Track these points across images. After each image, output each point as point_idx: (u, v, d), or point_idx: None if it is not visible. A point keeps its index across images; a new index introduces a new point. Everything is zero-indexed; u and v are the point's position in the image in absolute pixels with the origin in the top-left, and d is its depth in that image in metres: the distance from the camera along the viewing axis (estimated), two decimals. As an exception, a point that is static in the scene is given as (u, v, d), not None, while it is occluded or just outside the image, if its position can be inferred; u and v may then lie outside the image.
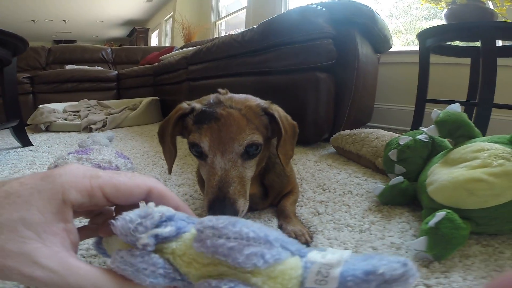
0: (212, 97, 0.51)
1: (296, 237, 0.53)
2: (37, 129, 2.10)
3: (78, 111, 2.41)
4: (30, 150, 1.50)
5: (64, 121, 2.15)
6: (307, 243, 0.52)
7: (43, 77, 2.79)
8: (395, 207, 0.64)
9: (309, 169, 0.98)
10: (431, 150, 0.69)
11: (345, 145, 1.06)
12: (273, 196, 0.65)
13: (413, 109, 1.37)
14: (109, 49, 3.97)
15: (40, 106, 2.27)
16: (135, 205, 0.28)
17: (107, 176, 0.25)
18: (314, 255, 0.22)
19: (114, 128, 2.15)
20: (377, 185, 0.70)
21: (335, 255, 0.22)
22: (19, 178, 0.23)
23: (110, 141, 1.67)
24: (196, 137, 0.46)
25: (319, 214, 0.65)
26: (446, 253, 0.44)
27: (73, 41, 4.80)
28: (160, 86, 2.81)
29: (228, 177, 0.44)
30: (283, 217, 0.60)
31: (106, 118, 2.16)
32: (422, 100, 1.33)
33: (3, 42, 1.23)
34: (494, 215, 0.48)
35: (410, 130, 1.29)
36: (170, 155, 0.55)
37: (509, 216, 0.48)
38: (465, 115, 0.64)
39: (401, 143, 0.70)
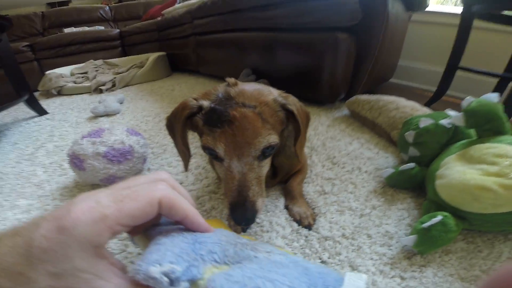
0: (220, 90, 0.48)
1: (300, 219, 0.60)
2: (49, 94, 2.16)
3: (86, 73, 2.40)
4: (47, 119, 1.59)
5: (73, 84, 2.19)
6: (309, 226, 0.59)
7: (43, 44, 2.73)
8: (399, 191, 0.68)
9: (321, 135, 0.98)
10: (452, 137, 0.67)
11: (361, 111, 1.02)
12: (281, 176, 0.68)
13: (441, 71, 1.24)
14: (107, 7, 3.72)
15: (47, 72, 2.28)
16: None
17: (115, 210, 0.24)
18: None
19: (123, 87, 2.17)
20: (388, 165, 0.72)
21: None
22: (37, 227, 0.22)
23: (121, 103, 1.71)
24: (210, 141, 0.45)
25: (325, 193, 0.70)
26: (429, 250, 0.51)
27: (68, 2, 4.29)
28: (166, 41, 2.71)
29: (246, 180, 0.44)
30: (290, 198, 0.66)
31: (115, 78, 2.17)
32: (453, 66, 1.18)
33: None
34: (489, 220, 0.52)
35: (435, 93, 1.20)
36: (184, 155, 0.54)
37: (503, 222, 0.51)
38: (499, 108, 0.58)
39: (420, 126, 0.68)
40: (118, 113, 1.56)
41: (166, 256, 0.26)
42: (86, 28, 3.17)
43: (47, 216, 0.23)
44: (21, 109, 1.80)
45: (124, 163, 0.78)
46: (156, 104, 1.64)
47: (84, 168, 0.76)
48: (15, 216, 0.73)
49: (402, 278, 0.47)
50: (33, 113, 1.68)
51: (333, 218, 0.62)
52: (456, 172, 0.55)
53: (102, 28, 3.30)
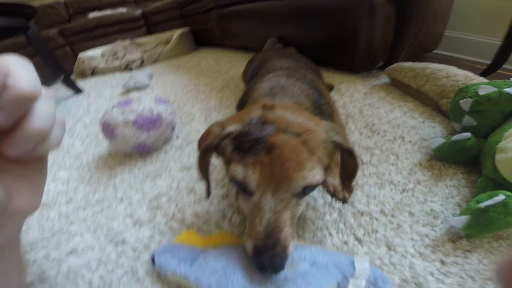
0: (255, 114, 0.41)
1: (335, 192, 0.56)
2: (83, 75, 2.32)
3: (116, 53, 2.51)
4: (84, 97, 1.69)
5: (105, 64, 2.33)
6: (344, 200, 0.55)
7: (71, 30, 2.87)
8: (449, 165, 0.60)
9: (357, 103, 0.90)
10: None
11: (404, 78, 0.91)
12: None
13: (497, 42, 1.05)
14: (128, -11, 3.68)
15: (79, 55, 2.42)
16: None
17: None
18: None
19: (152, 64, 2.27)
20: (436, 135, 0.63)
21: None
22: None
23: (150, 78, 1.75)
24: (239, 172, 0.37)
25: (362, 163, 0.64)
26: (480, 234, 0.44)
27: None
28: (188, 17, 2.70)
29: (279, 220, 0.36)
30: None
31: (143, 55, 2.29)
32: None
33: (12, 13, 1.26)
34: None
35: (490, 65, 1.03)
36: (205, 176, 0.47)
37: None
38: None
39: (480, 93, 0.58)
40: (147, 87, 1.61)
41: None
42: (109, 11, 3.25)
43: None
44: (60, 90, 1.93)
45: (153, 131, 0.80)
46: (184, 77, 1.64)
47: (116, 136, 0.78)
48: (57, 188, 0.78)
49: (443, 263, 0.42)
50: (70, 93, 1.80)
51: (371, 191, 0.56)
52: (524, 145, 0.47)
53: (124, 10, 3.36)
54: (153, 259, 0.44)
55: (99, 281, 0.47)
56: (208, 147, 0.41)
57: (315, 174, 0.36)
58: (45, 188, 0.77)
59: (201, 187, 0.67)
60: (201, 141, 0.45)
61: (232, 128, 0.40)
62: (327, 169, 0.41)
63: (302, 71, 0.74)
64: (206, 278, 0.37)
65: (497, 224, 0.42)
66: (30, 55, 2.49)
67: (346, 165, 0.44)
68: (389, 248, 0.45)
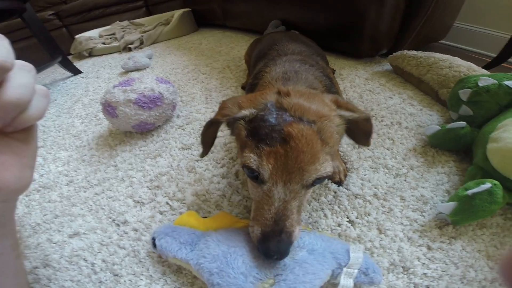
0: (269, 98, 0.40)
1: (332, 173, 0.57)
2: (81, 57, 2.24)
3: (114, 34, 2.43)
4: (82, 77, 1.66)
5: (103, 45, 2.25)
6: (340, 183, 0.56)
7: (68, 11, 2.75)
8: (442, 152, 0.62)
9: (357, 88, 0.90)
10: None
11: (406, 66, 0.91)
12: None
13: (505, 36, 1.03)
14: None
15: (76, 36, 2.34)
16: None
17: None
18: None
19: (151, 44, 2.20)
20: (432, 123, 0.64)
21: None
22: None
23: (150, 59, 1.70)
24: (253, 160, 0.37)
25: (359, 147, 0.66)
26: (466, 221, 0.46)
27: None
28: None
29: (287, 209, 0.37)
30: None
31: (142, 36, 2.21)
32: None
33: None
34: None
35: (496, 58, 1.02)
36: (205, 145, 0.47)
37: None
38: None
39: (480, 84, 0.59)
40: (147, 67, 1.58)
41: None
42: None
43: None
44: (57, 71, 1.90)
45: (154, 109, 0.80)
46: (184, 57, 1.62)
47: (117, 115, 0.78)
48: (57, 168, 0.79)
49: (429, 248, 0.44)
50: (68, 73, 1.77)
51: (365, 175, 0.58)
52: (516, 135, 0.48)
53: None
54: (153, 241, 0.45)
55: (102, 264, 0.49)
56: (216, 121, 0.41)
57: (326, 167, 0.37)
58: (46, 169, 0.79)
59: (201, 165, 0.68)
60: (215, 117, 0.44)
61: (247, 111, 0.40)
62: None
63: (314, 56, 0.74)
64: (207, 264, 0.39)
65: (481, 212, 0.44)
66: (26, 37, 2.42)
67: (362, 128, 0.44)
68: (380, 231, 0.48)
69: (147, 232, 0.53)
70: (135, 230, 0.54)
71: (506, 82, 0.56)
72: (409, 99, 0.83)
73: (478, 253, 0.43)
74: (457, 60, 0.82)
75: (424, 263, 0.42)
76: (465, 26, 1.46)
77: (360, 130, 0.44)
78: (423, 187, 0.54)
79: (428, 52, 0.91)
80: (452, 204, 0.45)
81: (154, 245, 0.45)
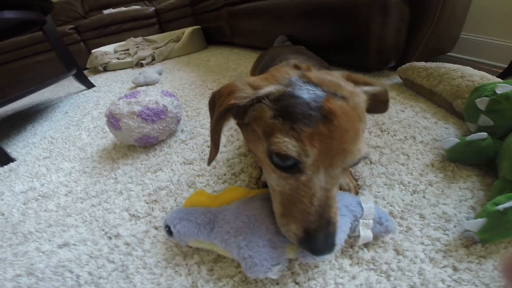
0: (292, 73, 0.35)
1: (341, 189, 0.53)
2: (96, 71, 2.37)
3: (128, 49, 2.57)
4: (94, 91, 1.71)
5: (117, 60, 2.38)
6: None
7: (86, 26, 2.92)
8: (463, 167, 0.57)
9: (368, 102, 0.87)
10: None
11: (416, 78, 0.88)
12: None
13: None
14: (142, -13, 3.77)
15: (93, 50, 2.48)
16: None
17: None
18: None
19: (162, 61, 2.29)
20: (449, 136, 0.60)
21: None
22: None
23: (160, 74, 1.76)
24: (292, 146, 0.30)
25: (371, 163, 0.61)
26: (497, 239, 0.41)
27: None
28: (200, 15, 2.72)
29: (330, 198, 0.32)
30: None
31: (154, 52, 2.32)
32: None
33: (29, 7, 1.29)
34: None
35: (508, 68, 0.99)
36: (213, 147, 0.42)
37: None
38: None
39: (498, 92, 0.55)
40: (157, 82, 1.62)
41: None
42: (124, 9, 3.31)
43: None
44: (72, 85, 1.98)
45: (158, 123, 0.79)
46: (193, 73, 1.65)
47: (120, 127, 0.77)
48: (59, 179, 0.78)
49: (455, 269, 0.39)
50: (82, 87, 1.83)
51: (379, 192, 0.53)
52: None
53: (138, 7, 3.42)
54: (168, 229, 0.42)
55: (87, 277, 0.46)
56: (232, 106, 0.34)
57: (365, 147, 0.33)
58: (47, 179, 0.78)
59: (202, 180, 0.65)
60: (217, 98, 0.38)
61: (272, 88, 0.34)
62: None
63: (316, 67, 0.72)
64: (233, 239, 0.37)
65: (515, 229, 0.38)
66: (46, 50, 2.54)
67: (380, 99, 0.42)
68: (397, 252, 0.42)
69: (139, 247, 0.49)
70: (127, 244, 0.50)
71: (528, 89, 0.52)
72: (422, 112, 0.78)
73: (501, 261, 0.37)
74: (468, 70, 0.78)
75: (449, 286, 0.37)
76: (472, 37, 1.44)
77: (377, 101, 0.42)
78: (445, 204, 0.49)
79: (437, 62, 0.88)
80: (480, 221, 0.40)
81: (170, 232, 0.42)
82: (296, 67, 0.38)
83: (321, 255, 0.32)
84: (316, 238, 0.31)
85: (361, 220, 0.39)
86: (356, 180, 0.57)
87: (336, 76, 0.36)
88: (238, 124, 0.43)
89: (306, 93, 0.32)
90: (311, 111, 0.30)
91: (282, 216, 0.34)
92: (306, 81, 0.34)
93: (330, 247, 0.32)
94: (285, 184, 0.34)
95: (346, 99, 0.32)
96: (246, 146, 0.75)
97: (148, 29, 3.12)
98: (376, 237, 0.45)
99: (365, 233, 0.39)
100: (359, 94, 0.35)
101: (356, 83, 0.38)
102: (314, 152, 0.30)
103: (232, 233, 0.38)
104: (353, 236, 0.39)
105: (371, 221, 0.39)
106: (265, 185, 0.54)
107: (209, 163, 0.44)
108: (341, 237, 0.36)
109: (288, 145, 0.30)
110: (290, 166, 0.32)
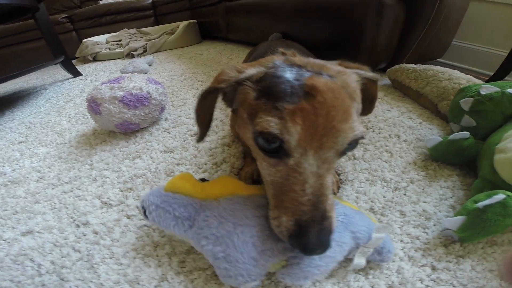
0: (277, 58, 0.35)
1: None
2: (85, 60, 2.29)
3: (120, 40, 2.49)
4: (81, 80, 1.66)
5: (108, 50, 2.30)
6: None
7: (80, 15, 2.83)
8: (444, 166, 0.56)
9: (356, 100, 0.87)
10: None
11: (405, 79, 0.88)
12: None
13: (503, 53, 1.02)
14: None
15: (84, 40, 2.41)
16: None
17: None
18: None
19: (154, 53, 2.23)
20: (432, 135, 0.59)
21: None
22: None
23: (149, 65, 1.72)
24: (274, 124, 0.29)
25: (354, 158, 0.61)
26: (476, 238, 0.40)
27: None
28: (196, 9, 2.67)
29: (323, 187, 0.30)
30: None
31: (146, 44, 2.25)
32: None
33: None
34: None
35: (493, 76, 1.00)
36: (202, 126, 0.41)
37: None
38: None
39: (482, 93, 0.55)
40: (145, 72, 1.57)
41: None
42: None
43: None
44: (59, 73, 1.90)
45: (140, 109, 0.76)
46: (183, 65, 1.61)
47: (100, 111, 0.74)
48: (32, 164, 0.74)
49: (434, 269, 0.38)
50: (69, 75, 1.77)
51: (361, 187, 0.52)
52: (525, 145, 0.43)
53: None
54: (144, 212, 0.38)
55: (49, 266, 0.43)
56: (213, 89, 0.34)
57: (360, 126, 0.30)
58: (19, 164, 0.74)
59: (181, 169, 0.63)
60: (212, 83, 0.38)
61: (254, 70, 0.33)
62: None
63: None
64: (210, 247, 0.33)
65: (494, 227, 0.38)
66: (36, 38, 2.43)
67: (369, 91, 0.41)
68: (375, 250, 0.41)
69: (107, 236, 0.47)
70: (95, 232, 0.48)
71: (510, 90, 0.52)
72: (408, 112, 0.78)
73: (489, 272, 0.37)
74: (456, 73, 0.79)
75: (428, 285, 0.36)
76: (462, 44, 1.46)
77: (366, 93, 0.39)
78: (425, 202, 0.48)
79: (426, 65, 0.89)
80: (460, 219, 0.39)
81: (145, 215, 0.38)
82: (283, 54, 0.37)
83: (312, 253, 0.29)
84: (309, 232, 0.28)
85: (360, 248, 0.35)
86: (338, 175, 0.56)
87: (325, 62, 0.35)
88: (232, 111, 0.42)
89: (289, 73, 0.31)
90: (293, 89, 0.29)
91: (274, 209, 0.32)
92: (290, 64, 0.33)
93: (323, 245, 0.29)
94: (275, 172, 0.32)
95: (333, 77, 0.31)
96: (231, 136, 0.73)
97: (143, 21, 3.03)
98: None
99: (359, 261, 0.35)
100: (349, 73, 0.33)
101: (348, 68, 0.37)
102: (296, 129, 0.28)
103: (211, 240, 0.33)
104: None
105: (371, 249, 0.35)
106: (255, 182, 0.52)
107: (198, 141, 0.42)
108: (330, 266, 0.33)
109: (270, 123, 0.29)
110: (276, 149, 0.30)
